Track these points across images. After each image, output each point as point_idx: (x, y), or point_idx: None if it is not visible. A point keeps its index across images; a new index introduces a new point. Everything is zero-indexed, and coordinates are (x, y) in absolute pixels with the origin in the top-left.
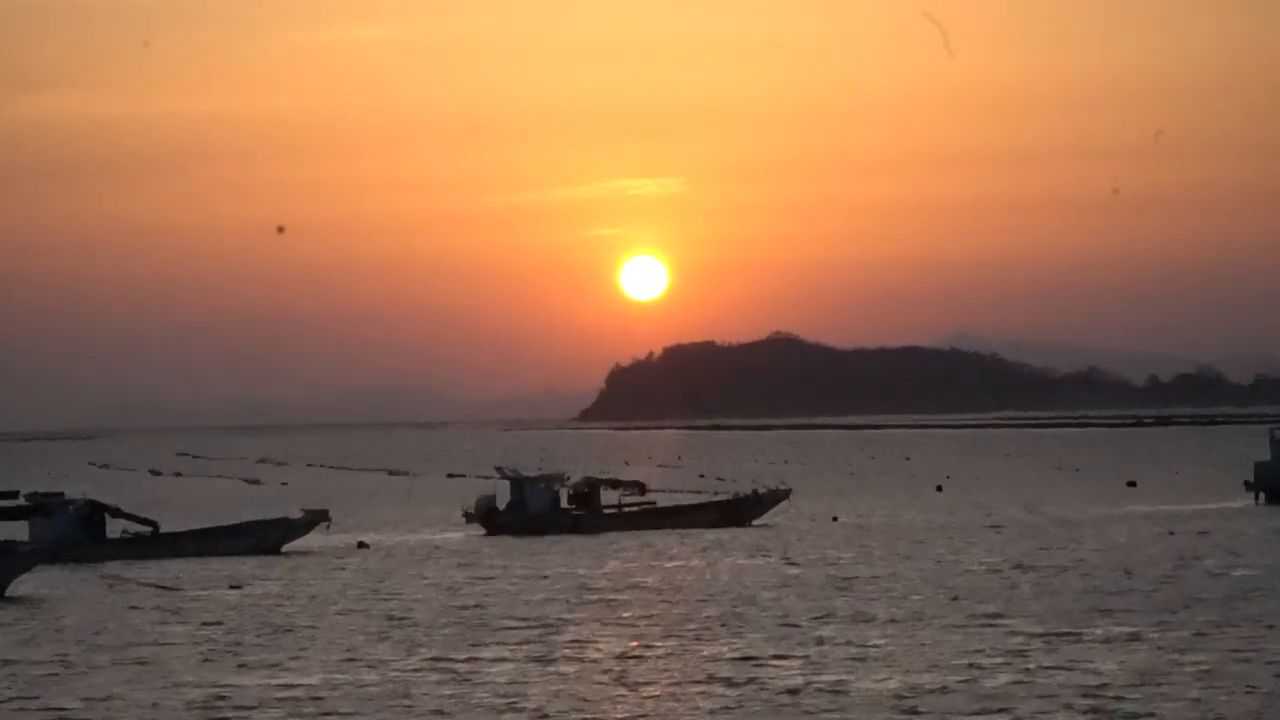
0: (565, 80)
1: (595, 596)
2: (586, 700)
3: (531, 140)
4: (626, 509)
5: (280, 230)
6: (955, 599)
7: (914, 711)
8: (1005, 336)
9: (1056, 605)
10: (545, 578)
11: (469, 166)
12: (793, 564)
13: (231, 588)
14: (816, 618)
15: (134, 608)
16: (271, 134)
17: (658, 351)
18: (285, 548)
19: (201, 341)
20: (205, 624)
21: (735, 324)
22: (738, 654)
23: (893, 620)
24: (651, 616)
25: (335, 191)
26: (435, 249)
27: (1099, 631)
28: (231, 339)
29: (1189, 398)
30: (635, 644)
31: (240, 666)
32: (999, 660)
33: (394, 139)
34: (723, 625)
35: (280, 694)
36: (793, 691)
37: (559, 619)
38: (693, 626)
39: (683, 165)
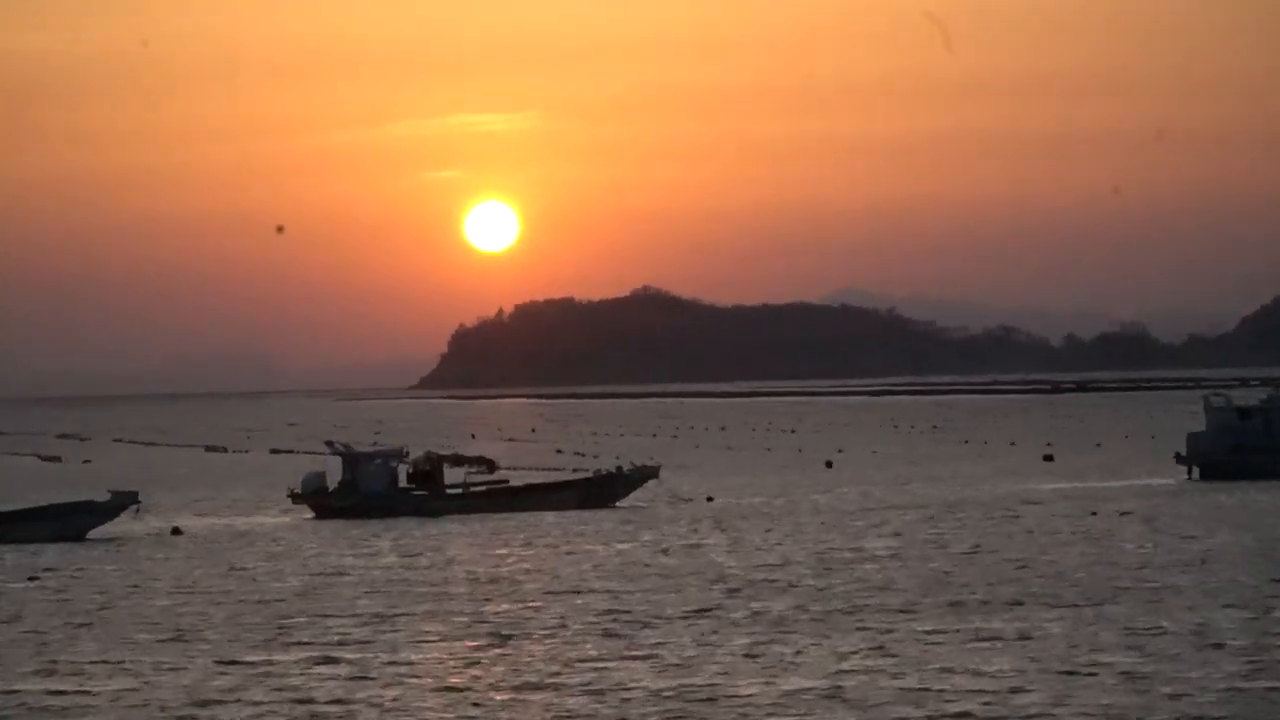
0: (401, 3)
1: (425, 589)
2: (399, 710)
3: (361, 71)
4: (473, 489)
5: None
6: (826, 591)
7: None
8: (903, 291)
9: (940, 599)
10: (373, 567)
11: (289, 102)
12: (653, 551)
13: (28, 579)
14: (669, 615)
15: None
16: (74, 74)
17: (508, 310)
18: (90, 534)
19: None
20: None
21: (597, 278)
22: (575, 656)
23: (754, 614)
24: (483, 613)
25: (144, 137)
26: (256, 198)
27: (989, 627)
28: (31, 303)
29: (1113, 360)
30: (462, 644)
31: (15, 672)
32: (868, 662)
33: (208, 76)
34: (562, 623)
35: (52, 703)
36: (629, 700)
37: (378, 615)
38: (528, 624)
39: (536, 98)
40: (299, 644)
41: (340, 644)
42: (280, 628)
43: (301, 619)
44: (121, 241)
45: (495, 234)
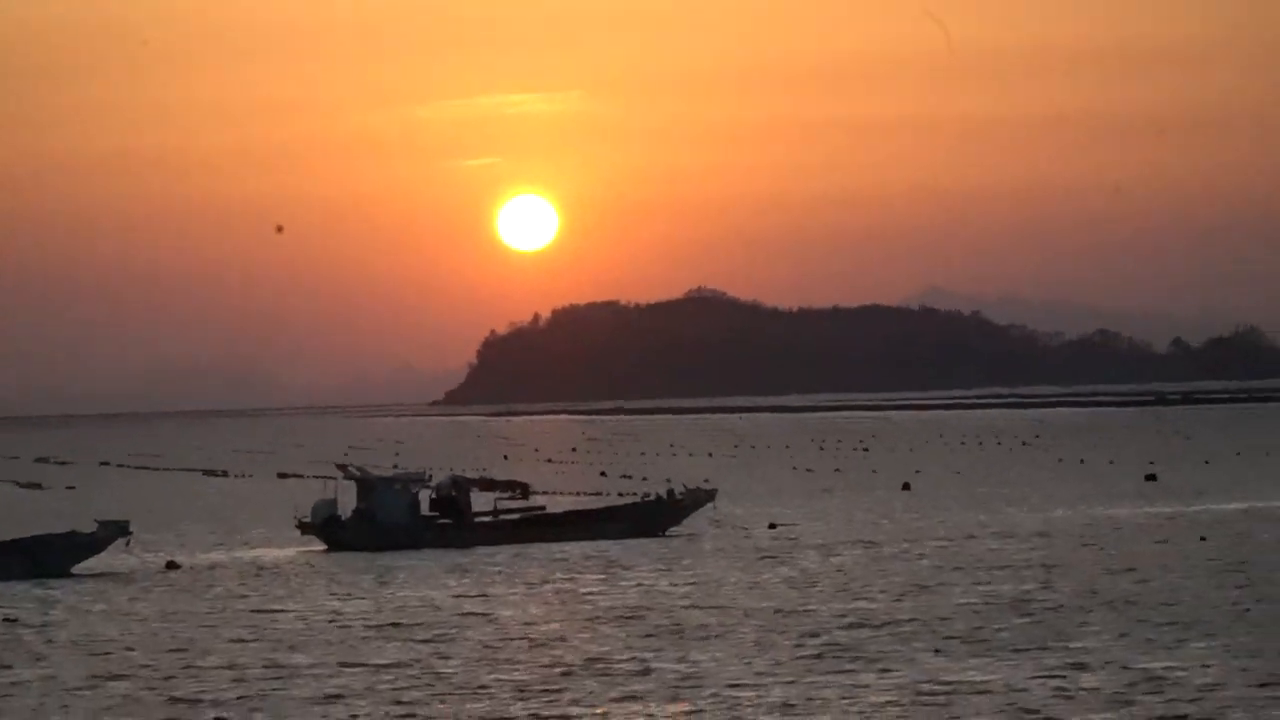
0: None
1: (424, 635)
2: None
3: (382, 45)
4: (505, 517)
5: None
6: (832, 625)
7: None
8: (992, 291)
9: (1002, 638)
10: (379, 609)
11: (299, 81)
12: (697, 587)
13: (3, 619)
14: (695, 673)
15: None
16: (42, 45)
17: (545, 315)
18: (74, 569)
19: None
20: None
21: (645, 279)
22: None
23: (776, 667)
24: (494, 662)
25: (127, 118)
26: (254, 189)
27: (1052, 661)
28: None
29: (1225, 368)
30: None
31: None
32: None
33: (203, 51)
34: (565, 676)
35: None
36: None
37: (365, 663)
38: (535, 679)
39: (579, 75)
40: (289, 691)
41: (326, 700)
42: (274, 677)
43: (293, 669)
44: (95, 236)
45: (531, 230)
